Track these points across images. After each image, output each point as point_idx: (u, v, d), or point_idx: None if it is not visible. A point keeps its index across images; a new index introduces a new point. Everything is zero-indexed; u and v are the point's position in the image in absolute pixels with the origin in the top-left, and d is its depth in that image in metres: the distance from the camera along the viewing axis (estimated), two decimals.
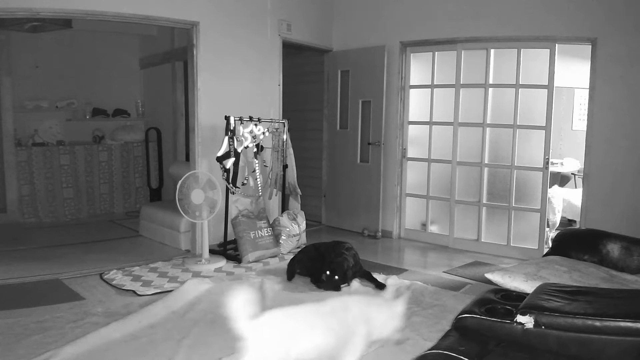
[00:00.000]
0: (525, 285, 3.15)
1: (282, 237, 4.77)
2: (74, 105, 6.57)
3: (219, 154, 4.39)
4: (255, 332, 1.63)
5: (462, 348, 1.77)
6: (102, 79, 6.76)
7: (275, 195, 5.16)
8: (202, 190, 4.29)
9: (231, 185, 4.43)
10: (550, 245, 4.17)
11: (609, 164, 4.44)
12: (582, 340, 1.71)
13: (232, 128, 4.39)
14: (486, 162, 5.08)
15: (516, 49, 4.80)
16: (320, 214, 6.28)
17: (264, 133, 4.72)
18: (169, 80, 6.59)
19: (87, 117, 6.73)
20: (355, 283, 3.83)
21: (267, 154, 5.03)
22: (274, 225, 4.84)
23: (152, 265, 4.24)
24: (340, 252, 3.83)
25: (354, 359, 1.84)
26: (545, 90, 4.69)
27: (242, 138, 4.51)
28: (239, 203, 4.80)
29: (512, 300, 2.10)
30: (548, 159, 4.73)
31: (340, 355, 1.81)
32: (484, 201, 5.11)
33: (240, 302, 1.66)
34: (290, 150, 5.08)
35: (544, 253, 4.23)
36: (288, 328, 1.69)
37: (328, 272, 3.71)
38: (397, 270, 4.32)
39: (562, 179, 6.42)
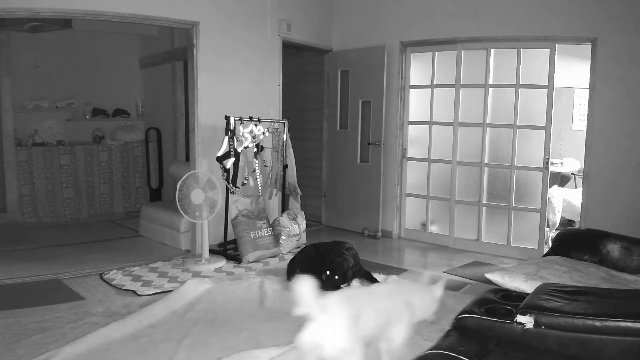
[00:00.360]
0: (525, 285, 3.15)
1: (282, 237, 4.77)
2: (74, 105, 6.57)
3: (219, 154, 4.39)
4: (321, 313, 1.78)
5: (462, 348, 1.77)
6: (102, 79, 6.76)
7: (275, 195, 5.16)
8: (202, 190, 4.29)
9: (231, 185, 4.44)
10: (550, 245, 4.16)
11: (609, 164, 4.44)
12: (582, 340, 1.71)
13: (232, 128, 4.39)
14: (486, 162, 5.08)
15: (516, 49, 4.80)
16: (320, 214, 6.28)
17: (264, 133, 4.72)
18: (169, 80, 6.59)
19: (87, 117, 6.73)
20: (355, 283, 3.83)
21: (267, 154, 5.03)
22: (274, 225, 4.84)
23: (152, 265, 4.24)
24: (340, 252, 3.83)
25: (402, 339, 1.99)
26: (545, 90, 4.69)
27: (242, 138, 4.51)
28: (239, 203, 4.80)
29: (512, 300, 2.10)
30: (548, 159, 4.73)
31: (390, 335, 2.00)
32: (484, 201, 5.11)
33: (305, 287, 1.80)
34: (290, 150, 5.08)
35: (544, 253, 4.22)
36: (349, 309, 1.84)
37: (328, 272, 3.71)
38: (397, 270, 4.32)
39: (562, 179, 6.42)
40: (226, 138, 4.38)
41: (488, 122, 5.02)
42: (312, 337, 1.76)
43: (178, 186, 4.22)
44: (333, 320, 1.78)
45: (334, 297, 1.87)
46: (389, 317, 1.96)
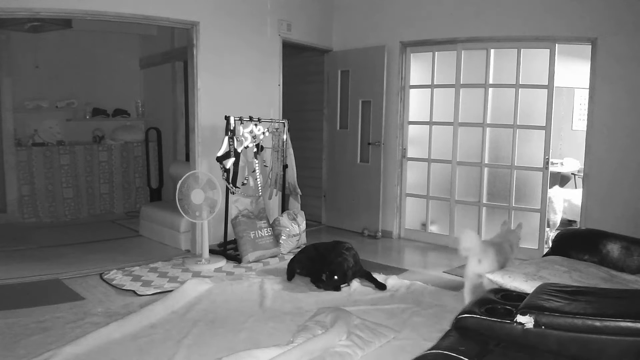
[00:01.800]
0: (525, 285, 3.14)
1: (282, 237, 4.77)
2: (74, 105, 6.57)
3: (219, 154, 4.39)
4: (480, 253, 3.08)
5: (462, 348, 1.77)
6: (102, 79, 6.76)
7: (275, 195, 5.16)
8: (202, 190, 4.29)
9: (231, 185, 4.43)
10: (550, 245, 4.16)
11: (609, 164, 4.44)
12: (582, 340, 1.71)
13: (232, 128, 4.39)
14: (486, 162, 5.08)
15: (516, 49, 4.80)
16: (320, 214, 6.28)
17: (264, 133, 4.72)
18: (169, 80, 6.59)
19: (87, 117, 6.73)
20: (355, 283, 3.84)
21: (267, 154, 5.03)
22: (274, 225, 4.84)
23: (152, 265, 4.24)
24: (340, 252, 3.83)
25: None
26: (545, 90, 4.69)
27: (242, 138, 4.51)
28: (239, 203, 4.79)
29: (512, 300, 2.10)
30: (548, 159, 4.73)
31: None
32: (484, 201, 5.10)
33: (468, 234, 3.07)
34: (290, 150, 5.08)
35: (544, 253, 4.22)
36: (495, 252, 3.10)
37: (328, 272, 3.71)
38: (397, 270, 4.32)
39: (562, 179, 6.42)
40: (226, 138, 4.38)
41: (488, 122, 5.02)
42: (474, 269, 3.03)
43: (178, 186, 4.22)
44: (488, 258, 3.01)
45: (489, 243, 3.14)
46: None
